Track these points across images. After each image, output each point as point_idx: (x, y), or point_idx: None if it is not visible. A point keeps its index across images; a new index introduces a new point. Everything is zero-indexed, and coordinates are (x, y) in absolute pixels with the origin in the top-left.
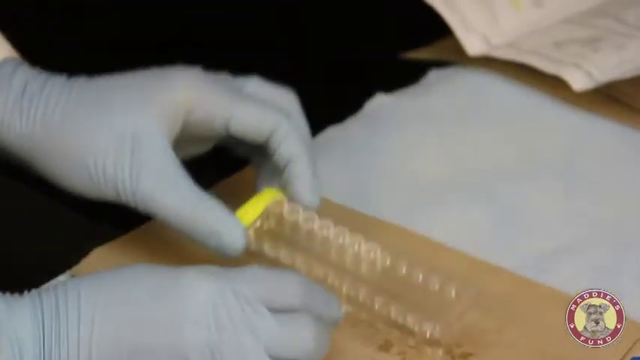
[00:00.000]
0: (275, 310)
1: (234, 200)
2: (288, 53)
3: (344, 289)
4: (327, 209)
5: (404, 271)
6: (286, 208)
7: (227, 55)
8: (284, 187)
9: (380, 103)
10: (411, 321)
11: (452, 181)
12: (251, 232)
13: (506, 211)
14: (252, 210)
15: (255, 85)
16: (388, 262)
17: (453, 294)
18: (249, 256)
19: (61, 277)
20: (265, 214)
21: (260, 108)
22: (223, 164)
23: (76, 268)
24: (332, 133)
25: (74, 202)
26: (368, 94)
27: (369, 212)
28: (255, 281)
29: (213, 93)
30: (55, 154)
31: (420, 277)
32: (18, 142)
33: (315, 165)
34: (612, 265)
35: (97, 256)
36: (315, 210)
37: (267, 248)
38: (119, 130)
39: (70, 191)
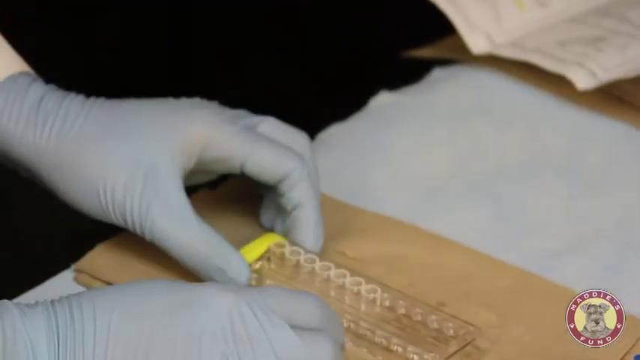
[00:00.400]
0: (294, 328)
1: (220, 210)
2: (292, 50)
3: (344, 323)
4: (330, 207)
5: (403, 312)
6: (288, 249)
7: (229, 54)
8: (288, 228)
9: (384, 100)
10: (411, 351)
11: (455, 179)
12: (252, 272)
13: (510, 209)
14: (254, 251)
15: (270, 126)
16: (388, 303)
17: (452, 332)
18: None
19: (65, 273)
20: (267, 257)
21: (277, 152)
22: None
23: (79, 263)
24: (335, 130)
25: None
26: (372, 91)
27: (373, 209)
28: (274, 298)
29: (231, 133)
30: (66, 172)
31: (419, 317)
32: (29, 154)
33: (320, 211)
34: (616, 264)
35: (101, 251)
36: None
37: (268, 284)
38: (133, 159)
39: (77, 210)
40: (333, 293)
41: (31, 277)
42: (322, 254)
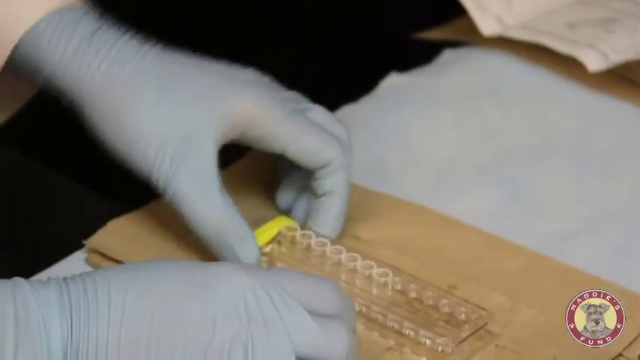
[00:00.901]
0: (311, 313)
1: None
2: (301, 32)
3: (355, 307)
4: None
5: (415, 295)
6: (299, 232)
7: (239, 33)
8: (311, 211)
9: (394, 82)
10: (423, 335)
11: (465, 161)
12: (263, 255)
13: (520, 191)
14: (265, 234)
15: (318, 114)
16: (399, 287)
17: (464, 317)
18: None
19: (77, 254)
20: (277, 240)
21: (324, 139)
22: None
23: (91, 240)
24: (346, 111)
25: (90, 181)
26: (382, 73)
27: (383, 191)
28: (291, 281)
29: (281, 115)
30: (106, 113)
31: (431, 301)
32: (72, 85)
33: (346, 204)
34: (625, 246)
35: (112, 228)
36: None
37: (279, 266)
38: (176, 118)
39: (108, 150)
40: (344, 277)
41: (43, 259)
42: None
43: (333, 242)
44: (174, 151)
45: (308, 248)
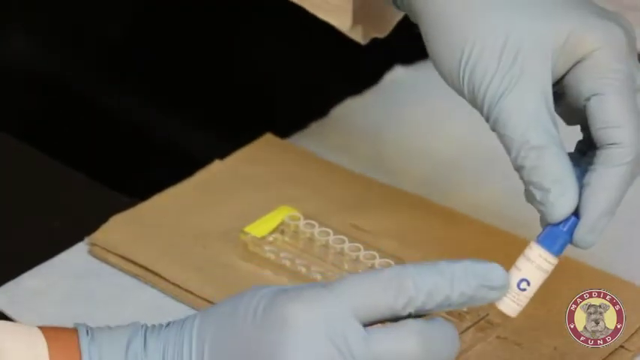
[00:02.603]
0: (378, 319)
1: (232, 182)
2: (306, 24)
3: None
4: (345, 179)
5: None
6: (302, 222)
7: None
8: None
9: (399, 75)
10: None
11: (470, 154)
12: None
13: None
14: (267, 223)
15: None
16: None
17: (465, 308)
18: (263, 263)
19: (80, 245)
20: (281, 229)
21: (631, 115)
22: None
23: (93, 236)
24: (351, 104)
25: (92, 170)
26: (386, 66)
27: (387, 182)
28: (352, 297)
29: (621, 55)
30: (442, 28)
31: None
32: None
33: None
34: (626, 240)
35: (115, 223)
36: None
37: (283, 256)
38: (512, 37)
39: (437, 69)
40: (346, 267)
41: (46, 250)
42: (336, 227)
43: (336, 232)
44: (506, 72)
45: (311, 238)
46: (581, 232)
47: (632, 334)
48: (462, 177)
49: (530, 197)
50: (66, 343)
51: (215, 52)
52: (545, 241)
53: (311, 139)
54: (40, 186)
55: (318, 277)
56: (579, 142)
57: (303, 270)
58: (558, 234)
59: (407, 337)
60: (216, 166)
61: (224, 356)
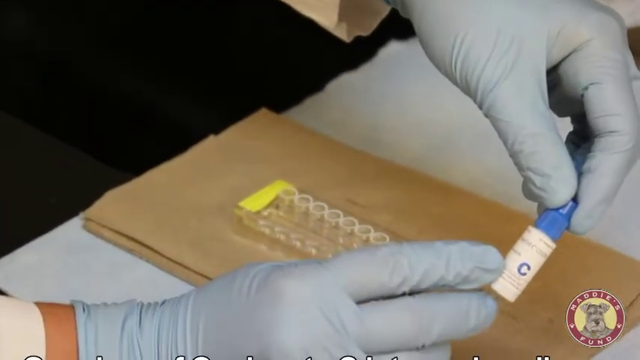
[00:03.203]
0: (372, 297)
1: (226, 157)
2: None
3: None
4: (340, 154)
5: None
6: (297, 196)
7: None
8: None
9: (394, 50)
10: None
11: (465, 128)
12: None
13: None
14: (262, 198)
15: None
16: None
17: None
18: (258, 237)
19: (74, 220)
20: (275, 204)
21: (628, 104)
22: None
23: (88, 211)
24: (347, 79)
25: (88, 146)
26: (381, 41)
27: (384, 157)
28: (346, 274)
29: (616, 45)
30: (434, 13)
31: None
32: None
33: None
34: (625, 211)
35: (109, 198)
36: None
37: (278, 231)
38: (502, 23)
39: (429, 58)
40: (341, 241)
41: (41, 225)
42: (330, 201)
43: (331, 206)
44: (500, 58)
45: (306, 212)
46: (579, 218)
47: (628, 307)
48: (458, 151)
49: (528, 183)
50: (62, 319)
51: (211, 28)
52: (546, 226)
53: (306, 114)
54: (36, 161)
55: (313, 251)
56: (570, 134)
57: (298, 244)
58: (558, 218)
59: (401, 313)
60: (211, 141)
61: (218, 333)
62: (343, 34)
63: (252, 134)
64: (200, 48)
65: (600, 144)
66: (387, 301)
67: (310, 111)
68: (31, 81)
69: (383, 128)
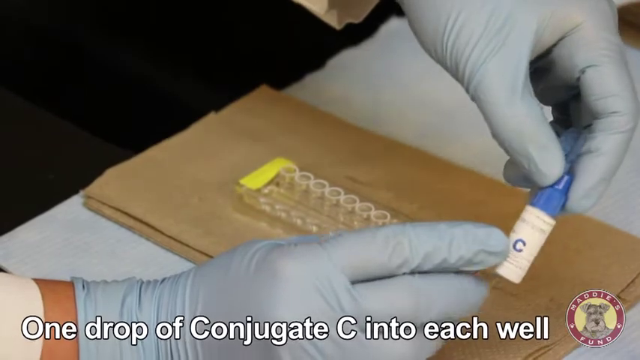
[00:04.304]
0: (371, 277)
1: (228, 133)
2: None
3: None
4: (340, 131)
5: None
6: (297, 174)
7: None
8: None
9: (394, 26)
10: None
11: (466, 105)
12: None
13: None
14: (263, 175)
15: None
16: None
17: None
18: (259, 215)
19: (75, 198)
20: (276, 181)
21: (624, 84)
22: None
23: (88, 189)
24: (347, 55)
25: (88, 123)
26: (382, 17)
27: (385, 134)
28: (345, 255)
29: (608, 28)
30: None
31: None
32: None
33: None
34: (626, 189)
35: (110, 176)
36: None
37: (279, 208)
38: (494, 4)
39: (420, 43)
40: (342, 219)
41: (41, 202)
42: (331, 179)
43: (332, 183)
44: (489, 40)
45: (307, 190)
46: (578, 197)
47: (629, 284)
48: (459, 128)
49: (516, 166)
50: (61, 296)
51: (210, 5)
52: (542, 203)
53: (307, 91)
54: (35, 139)
55: (314, 228)
56: (551, 123)
57: (299, 222)
58: (554, 194)
59: (398, 291)
60: (212, 119)
61: (217, 309)
62: (334, 21)
63: (252, 111)
64: (200, 25)
65: (600, 124)
66: (385, 280)
67: (311, 88)
68: (31, 57)
69: (384, 105)
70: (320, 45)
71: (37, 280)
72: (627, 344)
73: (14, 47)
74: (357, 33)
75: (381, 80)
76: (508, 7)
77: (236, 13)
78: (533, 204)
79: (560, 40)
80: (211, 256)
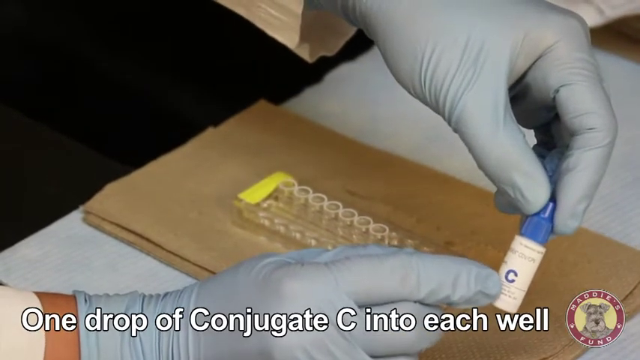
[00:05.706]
0: (375, 304)
1: (227, 149)
2: None
3: None
4: (338, 144)
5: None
6: (296, 188)
7: None
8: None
9: None
10: None
11: None
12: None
13: None
14: (262, 189)
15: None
16: (396, 242)
17: None
18: (258, 229)
19: (74, 213)
20: (275, 195)
21: (601, 102)
22: (233, 99)
23: (88, 204)
24: (345, 70)
25: (87, 138)
26: None
27: (383, 147)
28: (352, 280)
29: (582, 48)
30: (395, 29)
31: None
32: (364, 7)
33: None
34: (622, 201)
35: (109, 191)
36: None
37: (278, 222)
38: (467, 34)
39: (394, 76)
40: (341, 232)
41: (41, 218)
42: (330, 193)
43: (330, 197)
44: (467, 71)
45: (305, 204)
46: (563, 218)
47: (627, 296)
48: (456, 141)
49: (502, 194)
50: (62, 310)
51: (210, 18)
52: (530, 232)
53: (305, 105)
54: (35, 154)
55: (312, 242)
56: (535, 147)
57: (298, 236)
58: (541, 222)
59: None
60: (210, 133)
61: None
62: (306, 54)
63: (251, 126)
64: (199, 40)
65: (577, 142)
66: (391, 305)
67: (309, 102)
68: (31, 73)
69: (381, 119)
70: (318, 59)
71: (38, 294)
72: (626, 355)
73: (14, 63)
74: (354, 48)
75: (378, 94)
76: (481, 35)
77: (234, 28)
78: (521, 233)
79: (534, 62)
80: (212, 272)
